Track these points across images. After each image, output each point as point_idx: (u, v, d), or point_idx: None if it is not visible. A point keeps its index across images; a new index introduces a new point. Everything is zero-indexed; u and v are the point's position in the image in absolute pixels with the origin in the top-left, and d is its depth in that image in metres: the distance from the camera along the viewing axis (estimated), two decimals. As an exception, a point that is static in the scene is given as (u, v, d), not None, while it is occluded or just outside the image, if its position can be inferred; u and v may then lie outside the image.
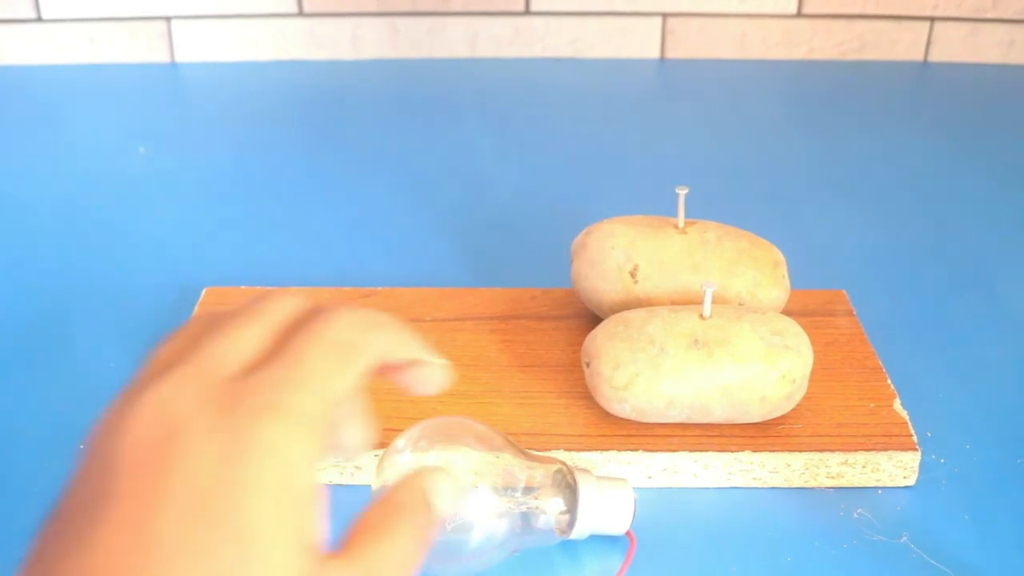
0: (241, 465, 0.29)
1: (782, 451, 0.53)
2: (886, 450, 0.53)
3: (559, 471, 0.48)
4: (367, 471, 0.53)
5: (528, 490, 0.47)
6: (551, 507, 0.47)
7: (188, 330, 0.34)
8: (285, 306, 0.34)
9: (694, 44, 1.08)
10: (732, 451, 0.53)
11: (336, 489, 0.53)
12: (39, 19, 1.05)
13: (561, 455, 0.53)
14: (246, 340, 0.33)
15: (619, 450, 0.53)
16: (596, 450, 0.53)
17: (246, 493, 0.29)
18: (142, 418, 0.30)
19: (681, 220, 0.59)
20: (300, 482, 0.30)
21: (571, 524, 0.47)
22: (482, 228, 0.78)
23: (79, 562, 0.28)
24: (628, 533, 0.49)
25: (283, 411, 0.30)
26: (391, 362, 0.35)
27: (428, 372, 0.36)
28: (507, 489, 0.47)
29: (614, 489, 0.48)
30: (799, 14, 1.06)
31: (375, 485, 0.47)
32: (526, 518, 0.47)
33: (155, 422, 0.30)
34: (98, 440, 0.31)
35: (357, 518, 0.33)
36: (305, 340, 0.32)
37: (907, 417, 0.55)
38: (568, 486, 0.47)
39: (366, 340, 0.33)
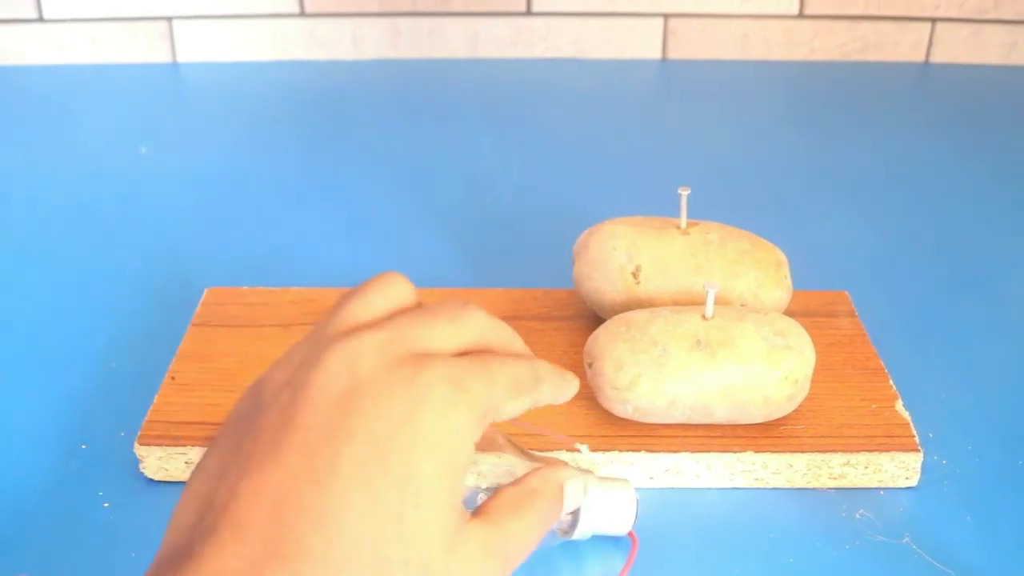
0: (415, 424, 0.33)
1: (784, 452, 0.53)
2: (888, 451, 0.53)
3: None
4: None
5: None
6: None
7: (377, 302, 0.37)
8: (482, 324, 0.38)
9: (696, 45, 1.08)
10: (734, 452, 0.53)
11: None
12: (40, 19, 1.05)
13: (563, 456, 0.52)
14: (440, 332, 0.36)
15: (621, 451, 0.53)
16: (598, 451, 0.53)
17: (415, 449, 0.32)
18: (335, 364, 0.34)
19: (683, 221, 0.59)
20: (461, 451, 0.34)
21: (573, 525, 0.47)
22: (484, 229, 0.78)
23: (260, 477, 0.32)
24: (630, 534, 0.49)
25: (462, 389, 0.34)
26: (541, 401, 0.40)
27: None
28: None
29: (616, 490, 0.48)
30: (801, 15, 1.06)
31: None
32: None
33: (347, 371, 0.34)
34: (293, 374, 0.34)
35: (498, 493, 0.38)
36: (500, 358, 0.37)
37: (909, 418, 0.55)
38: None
39: (539, 386, 0.39)
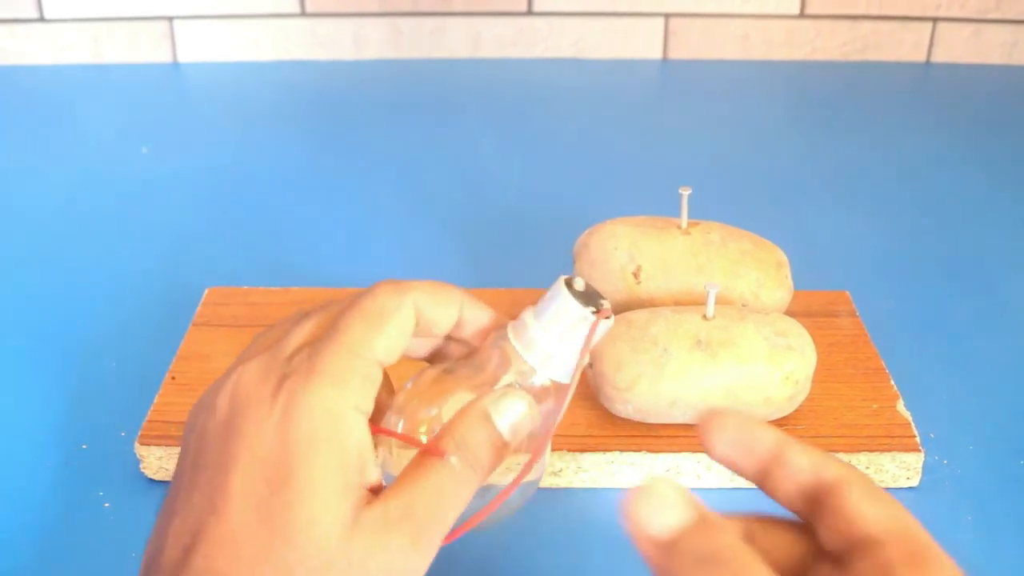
0: (290, 424, 0.34)
1: (785, 452, 0.53)
2: (889, 451, 0.52)
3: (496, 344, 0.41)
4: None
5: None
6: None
7: (277, 325, 0.39)
8: (348, 296, 0.38)
9: (697, 44, 1.08)
10: (735, 452, 0.53)
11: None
12: (41, 19, 1.05)
13: (564, 456, 0.52)
14: (309, 325, 0.38)
15: (622, 451, 0.53)
16: (599, 451, 0.53)
17: (295, 447, 0.33)
18: (226, 397, 0.36)
19: (684, 221, 0.59)
20: (343, 432, 0.34)
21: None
22: (484, 228, 0.78)
23: (176, 525, 0.34)
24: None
25: (320, 373, 0.35)
26: (433, 320, 0.39)
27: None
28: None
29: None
30: (802, 15, 1.06)
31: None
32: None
33: (230, 399, 0.35)
34: (194, 419, 0.37)
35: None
36: (344, 312, 0.37)
37: (910, 418, 0.55)
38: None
39: (398, 303, 0.37)
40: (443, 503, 0.35)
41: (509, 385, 0.39)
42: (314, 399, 0.34)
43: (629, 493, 0.33)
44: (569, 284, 0.39)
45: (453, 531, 0.36)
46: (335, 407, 0.34)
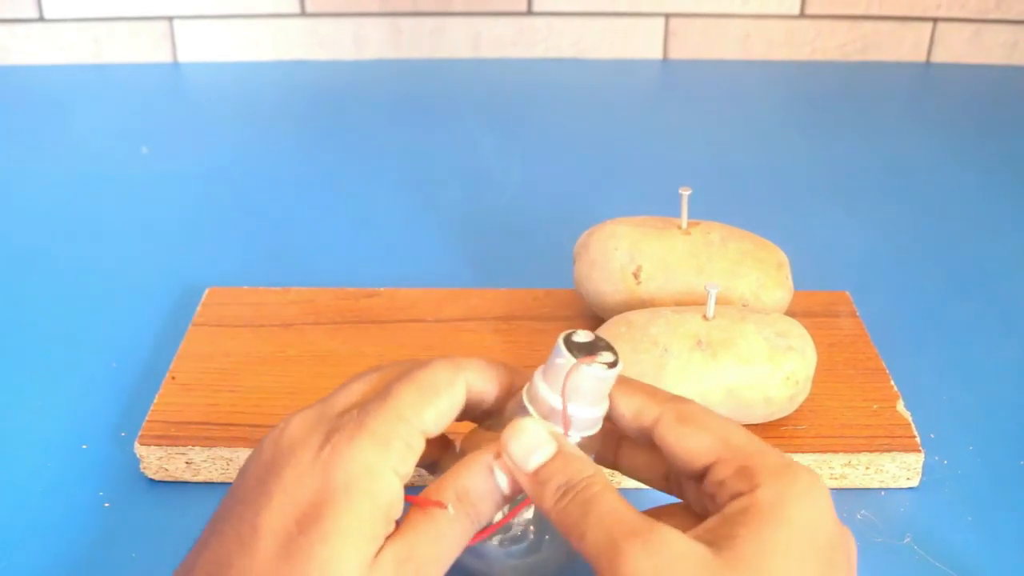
0: (329, 473, 0.36)
1: (786, 452, 0.52)
2: (889, 451, 0.52)
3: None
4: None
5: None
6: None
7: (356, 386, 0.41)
8: (405, 363, 0.41)
9: (697, 45, 1.08)
10: (735, 452, 0.53)
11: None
12: (41, 19, 1.05)
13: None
14: (363, 386, 0.40)
15: (622, 451, 0.53)
16: (599, 451, 0.53)
17: (330, 493, 0.35)
18: (271, 442, 0.38)
19: (684, 221, 0.59)
20: (378, 486, 0.36)
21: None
22: (484, 229, 0.78)
23: (206, 553, 0.36)
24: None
25: (369, 432, 0.37)
26: (481, 396, 0.41)
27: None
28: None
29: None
30: (802, 15, 1.06)
31: None
32: None
33: (275, 444, 0.38)
34: (245, 464, 0.39)
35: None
36: (399, 379, 0.39)
37: (910, 418, 0.55)
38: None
39: (451, 379, 0.40)
40: (440, 547, 0.37)
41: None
42: (356, 454, 0.36)
43: (504, 434, 0.38)
44: (569, 337, 0.40)
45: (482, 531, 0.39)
46: (375, 464, 0.36)
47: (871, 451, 0.52)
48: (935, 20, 1.06)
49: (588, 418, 0.40)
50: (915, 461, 0.53)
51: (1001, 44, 1.07)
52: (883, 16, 1.06)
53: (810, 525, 0.36)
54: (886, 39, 1.07)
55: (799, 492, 0.36)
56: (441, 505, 0.37)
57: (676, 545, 0.34)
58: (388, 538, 0.36)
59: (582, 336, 0.40)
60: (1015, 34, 1.06)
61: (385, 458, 0.36)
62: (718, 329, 0.52)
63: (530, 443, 0.38)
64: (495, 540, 0.41)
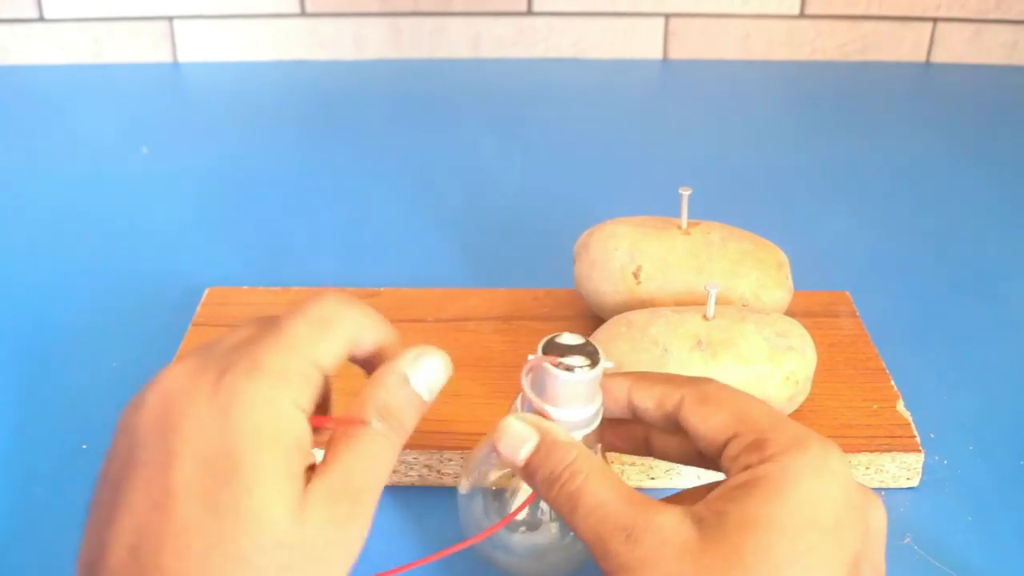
0: (232, 418, 0.33)
1: (785, 452, 0.53)
2: (889, 451, 0.52)
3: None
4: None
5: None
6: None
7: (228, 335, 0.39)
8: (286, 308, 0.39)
9: (697, 45, 1.08)
10: (735, 452, 0.53)
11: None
12: (41, 19, 1.05)
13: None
14: (245, 329, 0.38)
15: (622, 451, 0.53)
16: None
17: (240, 440, 0.33)
18: (151, 394, 0.35)
19: (684, 221, 0.59)
20: (286, 426, 0.34)
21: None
22: (484, 229, 0.78)
23: (117, 525, 0.33)
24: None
25: (266, 370, 0.35)
26: (366, 343, 0.39)
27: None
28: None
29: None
30: (802, 15, 1.06)
31: (463, 489, 0.45)
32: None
33: (161, 396, 0.35)
34: (122, 421, 0.36)
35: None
36: (289, 315, 0.38)
37: (910, 418, 0.55)
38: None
39: (343, 315, 0.38)
40: (375, 467, 0.36)
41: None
42: (256, 392, 0.34)
43: (494, 435, 0.39)
44: (553, 339, 0.40)
45: (451, 547, 0.39)
46: (277, 401, 0.34)
47: (871, 451, 0.52)
48: (935, 20, 1.06)
49: (573, 420, 0.40)
50: (915, 461, 0.53)
51: (1001, 44, 1.07)
52: (883, 16, 1.06)
53: (812, 500, 0.34)
54: (886, 39, 1.07)
55: (805, 464, 0.35)
56: (363, 422, 0.36)
57: (660, 533, 0.34)
58: (315, 472, 0.35)
59: (566, 339, 0.40)
60: (1015, 34, 1.06)
61: (286, 393, 0.35)
62: (718, 329, 0.52)
63: (514, 439, 0.38)
64: (520, 532, 0.41)
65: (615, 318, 0.55)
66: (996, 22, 1.06)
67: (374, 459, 0.36)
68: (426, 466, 0.52)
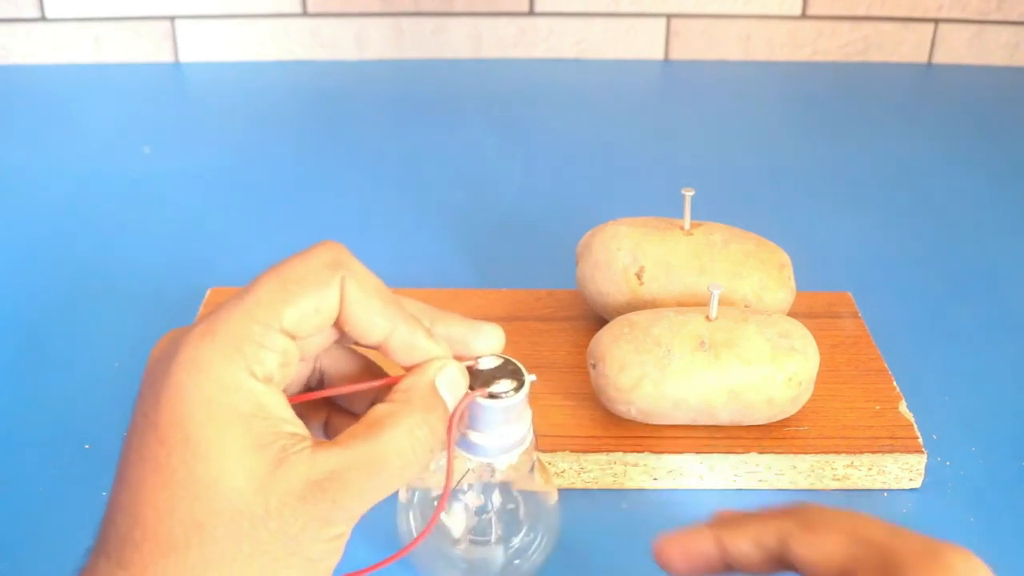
0: (181, 388, 0.32)
1: (788, 453, 0.53)
2: (892, 452, 0.52)
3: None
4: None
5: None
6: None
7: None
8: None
9: (698, 45, 1.08)
10: (738, 453, 0.53)
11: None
12: (43, 18, 1.05)
13: (567, 457, 0.52)
14: (237, 293, 0.35)
15: (625, 452, 0.53)
16: (602, 452, 0.53)
17: (190, 409, 0.32)
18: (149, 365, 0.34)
19: (687, 222, 0.59)
20: (242, 396, 0.32)
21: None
22: (487, 229, 0.78)
23: (113, 495, 0.33)
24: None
25: (216, 337, 0.33)
26: (357, 315, 0.36)
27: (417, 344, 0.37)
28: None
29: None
30: (804, 15, 1.06)
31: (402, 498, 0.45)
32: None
33: (146, 365, 0.34)
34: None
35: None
36: (266, 272, 0.35)
37: (913, 419, 0.55)
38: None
39: (322, 277, 0.35)
40: (374, 480, 0.33)
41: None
42: (203, 362, 0.32)
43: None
44: (476, 363, 0.39)
45: (394, 554, 0.37)
46: (225, 372, 0.32)
47: (873, 452, 0.52)
48: (936, 21, 1.06)
49: (496, 446, 0.39)
50: (917, 462, 0.53)
51: (1002, 45, 1.07)
52: (884, 17, 1.06)
53: None
54: (887, 40, 1.07)
55: None
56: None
57: None
58: (319, 445, 0.33)
59: (485, 362, 0.39)
60: (1016, 35, 1.06)
61: (236, 362, 0.32)
62: (721, 330, 0.52)
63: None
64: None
65: (618, 319, 0.55)
66: (998, 23, 1.06)
67: (379, 470, 0.34)
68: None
